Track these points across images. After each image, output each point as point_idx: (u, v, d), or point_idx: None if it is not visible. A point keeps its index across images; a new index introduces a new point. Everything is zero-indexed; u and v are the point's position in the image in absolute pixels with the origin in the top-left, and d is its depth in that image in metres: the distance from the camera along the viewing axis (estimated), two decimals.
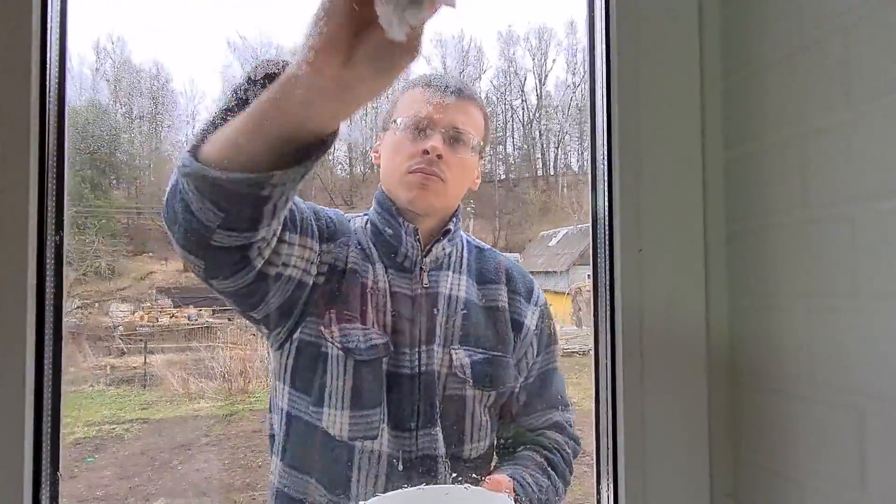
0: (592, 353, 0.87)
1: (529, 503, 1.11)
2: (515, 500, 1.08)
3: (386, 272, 1.18)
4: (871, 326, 0.59)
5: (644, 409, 0.78)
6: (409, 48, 0.59)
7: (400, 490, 1.04)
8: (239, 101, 0.74)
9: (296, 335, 1.12)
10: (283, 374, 1.15)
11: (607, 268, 0.81)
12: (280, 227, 0.99)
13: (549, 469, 1.20)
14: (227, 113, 0.75)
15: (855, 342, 0.61)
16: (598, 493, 0.83)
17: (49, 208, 0.67)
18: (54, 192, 0.68)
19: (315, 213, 1.15)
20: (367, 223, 1.24)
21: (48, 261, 0.65)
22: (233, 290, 0.99)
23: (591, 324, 0.87)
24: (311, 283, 1.10)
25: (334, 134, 0.72)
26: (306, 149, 0.72)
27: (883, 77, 0.57)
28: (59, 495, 0.66)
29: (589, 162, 0.86)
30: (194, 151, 0.75)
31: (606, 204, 0.81)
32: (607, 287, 0.81)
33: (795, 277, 0.69)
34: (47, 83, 0.69)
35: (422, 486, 1.05)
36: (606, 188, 0.80)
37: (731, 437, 0.79)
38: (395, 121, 1.19)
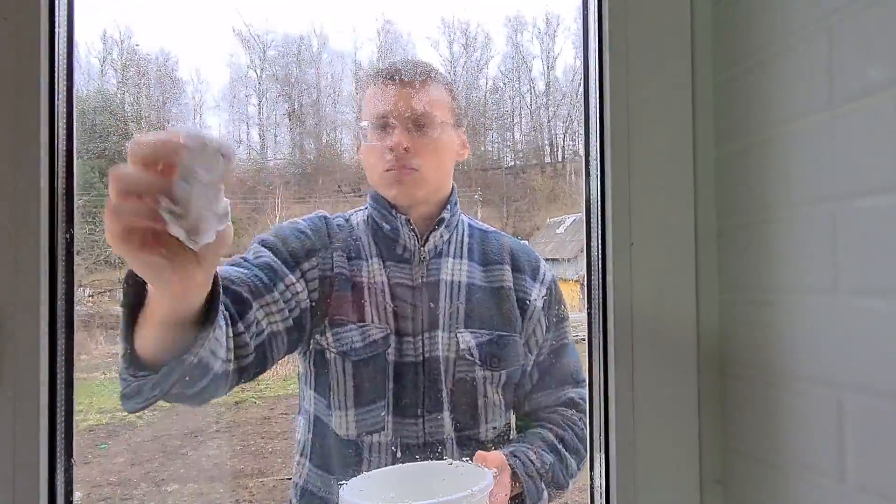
0: (586, 342, 0.89)
1: (529, 478, 1.13)
2: (513, 475, 1.10)
3: (384, 265, 1.20)
4: (848, 321, 0.61)
5: (635, 398, 0.81)
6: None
7: (390, 467, 1.08)
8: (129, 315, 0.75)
9: (311, 345, 1.18)
10: (308, 377, 1.22)
11: (600, 261, 0.83)
12: (244, 316, 1.00)
13: (558, 446, 1.22)
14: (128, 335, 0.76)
15: (834, 336, 0.63)
16: (591, 479, 0.86)
17: (59, 206, 0.70)
18: (64, 188, 0.71)
19: (283, 240, 1.15)
20: (367, 218, 1.26)
21: (60, 257, 0.68)
22: (251, 374, 1.03)
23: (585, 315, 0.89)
24: (308, 307, 1.13)
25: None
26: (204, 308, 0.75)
27: (863, 79, 0.59)
28: (74, 480, 0.69)
29: (583, 156, 0.88)
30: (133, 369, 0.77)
31: (599, 198, 0.83)
32: (600, 279, 0.83)
33: (780, 273, 0.71)
34: (56, 78, 0.72)
35: (408, 464, 1.09)
36: (599, 185, 0.82)
37: (720, 426, 0.82)
38: (362, 126, 1.22)
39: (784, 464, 0.71)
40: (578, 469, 1.23)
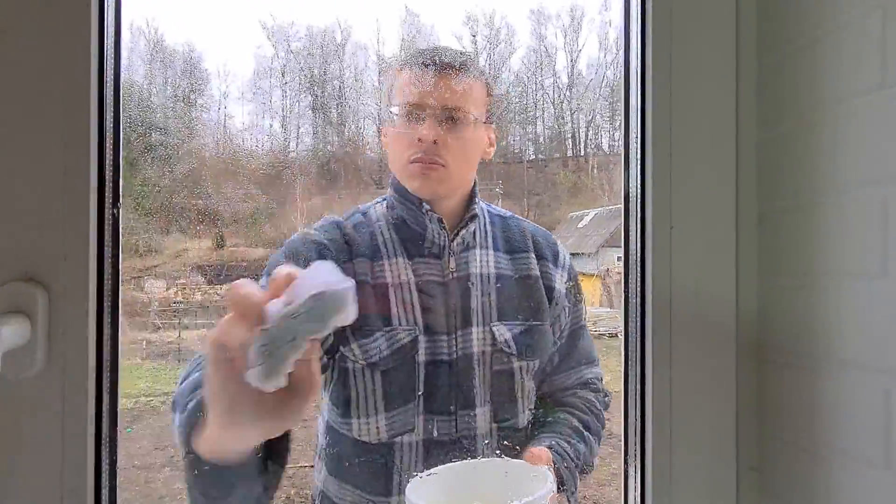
0: (622, 330, 0.88)
1: (568, 472, 1.11)
2: (555, 470, 1.09)
3: (411, 262, 1.16)
4: None
5: (672, 384, 0.80)
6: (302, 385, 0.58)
7: (451, 464, 1.06)
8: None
9: (335, 356, 1.14)
10: (325, 385, 1.18)
11: (638, 246, 0.83)
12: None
13: (584, 432, 1.21)
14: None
15: (882, 322, 0.62)
16: (626, 465, 0.86)
17: (107, 183, 0.71)
18: (111, 165, 0.72)
19: (299, 260, 1.09)
20: (388, 210, 1.21)
21: (107, 232, 0.69)
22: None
23: (621, 305, 0.88)
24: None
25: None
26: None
27: None
28: (118, 452, 0.71)
29: (622, 141, 0.87)
30: None
31: (639, 182, 0.82)
32: (638, 264, 0.83)
33: (825, 257, 0.70)
34: (104, 58, 0.73)
35: (468, 461, 1.07)
36: (639, 167, 0.81)
37: (757, 413, 0.81)
38: (391, 111, 1.17)
39: (824, 451, 0.70)
40: (598, 447, 1.23)
